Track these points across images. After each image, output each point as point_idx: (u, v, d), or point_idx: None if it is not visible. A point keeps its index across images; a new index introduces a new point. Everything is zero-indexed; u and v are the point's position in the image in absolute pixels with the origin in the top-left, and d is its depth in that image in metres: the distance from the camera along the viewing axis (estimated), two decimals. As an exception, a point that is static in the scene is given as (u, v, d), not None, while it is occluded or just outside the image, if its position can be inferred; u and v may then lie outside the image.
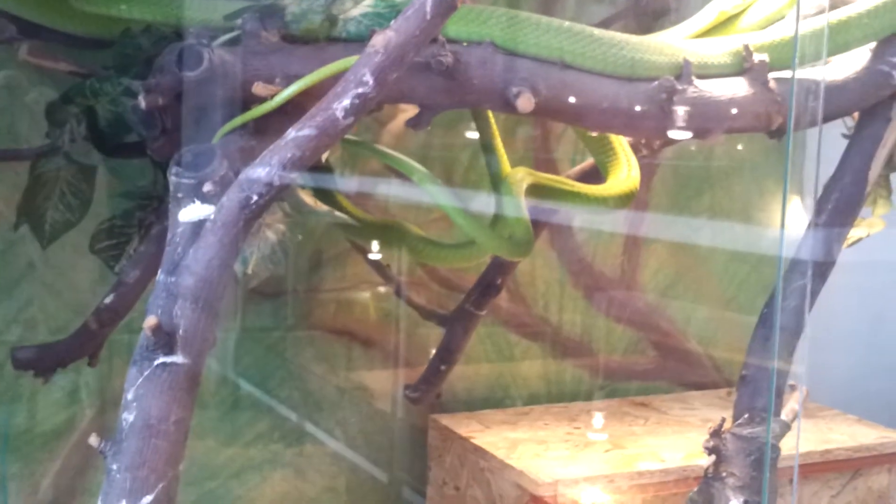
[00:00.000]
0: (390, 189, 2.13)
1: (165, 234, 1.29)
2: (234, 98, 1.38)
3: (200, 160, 1.31)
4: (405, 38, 1.20)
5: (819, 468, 2.16)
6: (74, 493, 2.02)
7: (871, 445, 2.23)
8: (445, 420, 2.24)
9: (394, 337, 2.29)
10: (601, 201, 1.77)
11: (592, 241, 2.48)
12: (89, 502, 2.03)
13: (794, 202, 1.64)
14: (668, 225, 2.62)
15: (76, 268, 1.93)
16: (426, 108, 1.50)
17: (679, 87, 1.53)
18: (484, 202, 1.82)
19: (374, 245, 2.11)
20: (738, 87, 1.59)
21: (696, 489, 1.51)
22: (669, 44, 1.59)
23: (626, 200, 1.77)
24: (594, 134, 1.82)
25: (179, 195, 1.29)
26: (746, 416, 1.52)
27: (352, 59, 1.26)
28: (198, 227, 1.26)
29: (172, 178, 1.30)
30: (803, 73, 1.56)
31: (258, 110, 1.37)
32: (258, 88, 1.36)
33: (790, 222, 1.79)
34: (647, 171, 2.31)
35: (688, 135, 1.58)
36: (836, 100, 1.61)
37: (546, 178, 1.78)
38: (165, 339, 1.18)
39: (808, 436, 2.22)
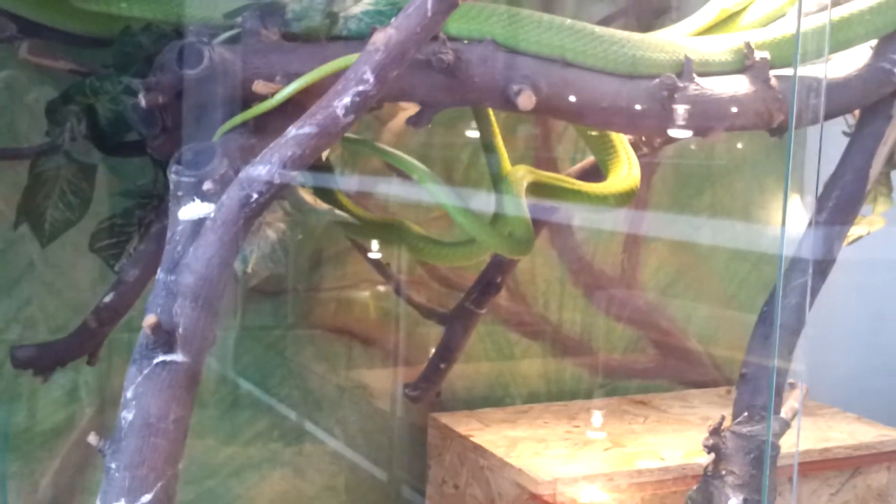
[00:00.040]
0: (390, 187, 2.13)
1: (165, 232, 1.29)
2: (234, 96, 1.38)
3: (200, 158, 1.31)
4: (406, 35, 1.19)
5: (818, 466, 2.16)
6: (74, 491, 2.02)
7: (870, 443, 2.23)
8: (445, 418, 2.24)
9: (394, 335, 2.28)
10: (602, 199, 1.77)
11: (593, 240, 2.48)
12: (89, 501, 2.02)
13: (794, 200, 1.64)
14: (668, 223, 2.62)
15: (76, 266, 1.93)
16: (427, 106, 1.50)
17: (680, 84, 1.53)
18: (484, 201, 1.82)
19: (374, 244, 2.10)
20: (739, 85, 1.59)
21: (695, 487, 1.51)
22: (671, 41, 1.59)
23: (626, 199, 1.77)
24: (594, 133, 1.82)
25: (179, 193, 1.29)
26: (746, 414, 1.52)
27: (352, 57, 1.25)
28: (198, 225, 1.25)
29: (172, 177, 1.30)
30: (805, 70, 1.56)
31: (258, 108, 1.37)
32: (258, 86, 1.36)
33: (790, 220, 1.78)
34: (648, 170, 2.31)
35: (689, 133, 1.58)
36: (838, 97, 1.61)
37: (547, 176, 1.78)
38: (165, 338, 1.18)
39: (807, 434, 2.22)
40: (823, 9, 1.60)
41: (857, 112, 1.70)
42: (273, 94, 1.36)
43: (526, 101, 1.45)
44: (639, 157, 1.82)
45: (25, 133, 1.84)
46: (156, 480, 1.14)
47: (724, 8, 1.73)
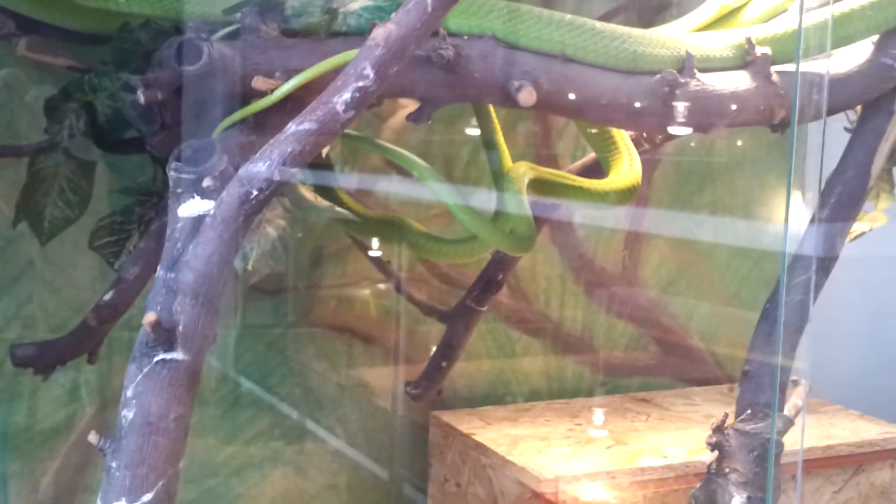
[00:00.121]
0: (391, 185, 2.13)
1: (165, 229, 1.29)
2: (233, 93, 1.37)
3: (200, 155, 1.30)
4: (406, 30, 1.19)
5: (821, 464, 2.16)
6: (75, 491, 2.01)
7: (873, 441, 2.22)
8: (446, 417, 2.24)
9: (394, 333, 2.28)
10: (603, 196, 1.76)
11: (594, 237, 2.48)
12: (89, 500, 2.02)
13: (795, 197, 1.63)
14: (669, 220, 2.62)
15: (75, 265, 1.93)
16: (427, 103, 1.49)
17: (681, 80, 1.52)
18: (485, 198, 1.82)
19: (375, 241, 2.10)
20: (740, 81, 1.58)
21: (698, 485, 1.51)
22: (672, 37, 1.58)
23: (627, 195, 1.76)
24: (594, 130, 1.82)
25: (179, 191, 1.28)
26: (749, 411, 1.51)
27: (352, 53, 1.25)
28: (197, 222, 1.25)
29: (172, 174, 1.29)
30: (806, 66, 1.56)
31: (258, 105, 1.37)
32: (258, 83, 1.35)
33: (791, 217, 1.78)
34: (649, 166, 2.30)
35: (690, 129, 1.57)
36: (839, 93, 1.60)
37: (548, 172, 1.78)
38: (165, 336, 1.18)
39: (810, 431, 2.21)
40: (825, 4, 1.60)
41: (858, 108, 1.69)
42: (272, 91, 1.35)
43: (527, 97, 1.45)
44: (640, 153, 1.81)
45: (24, 130, 1.84)
46: (156, 479, 1.14)
47: (725, 4, 1.72)
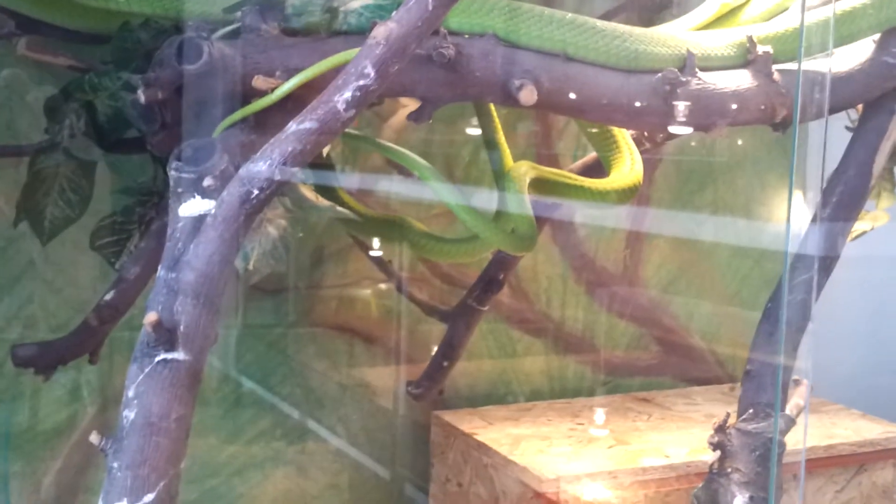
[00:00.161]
0: (392, 184, 2.12)
1: (166, 229, 1.28)
2: (234, 92, 1.37)
3: (201, 155, 1.30)
4: (407, 29, 1.18)
5: (823, 463, 2.16)
6: (76, 491, 2.01)
7: (875, 440, 2.22)
8: (448, 416, 2.23)
9: (395, 333, 2.28)
10: (604, 196, 1.76)
11: (595, 237, 2.48)
12: (91, 500, 2.02)
13: (796, 196, 1.63)
14: (670, 220, 2.62)
15: (76, 264, 1.93)
16: (428, 102, 1.49)
17: (683, 79, 1.52)
18: (486, 198, 1.82)
19: (376, 241, 2.10)
20: (741, 80, 1.58)
21: (700, 485, 1.50)
22: (673, 36, 1.58)
23: (629, 195, 1.76)
24: (595, 129, 1.81)
25: (180, 190, 1.28)
26: (751, 411, 1.51)
27: (353, 52, 1.25)
28: (198, 222, 1.25)
29: (172, 173, 1.29)
30: (808, 64, 1.55)
31: (258, 104, 1.36)
32: (258, 82, 1.35)
33: (792, 216, 1.78)
34: (650, 166, 2.30)
35: (691, 128, 1.57)
36: (841, 92, 1.60)
37: (549, 172, 1.77)
38: (166, 336, 1.18)
39: (812, 431, 2.21)
40: (827, 3, 1.60)
41: (859, 107, 1.69)
42: (273, 90, 1.35)
43: (528, 95, 1.45)
44: (641, 152, 1.81)
45: (25, 130, 1.84)
46: (158, 480, 1.14)
47: (726, 2, 1.72)
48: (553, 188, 1.77)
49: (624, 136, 1.80)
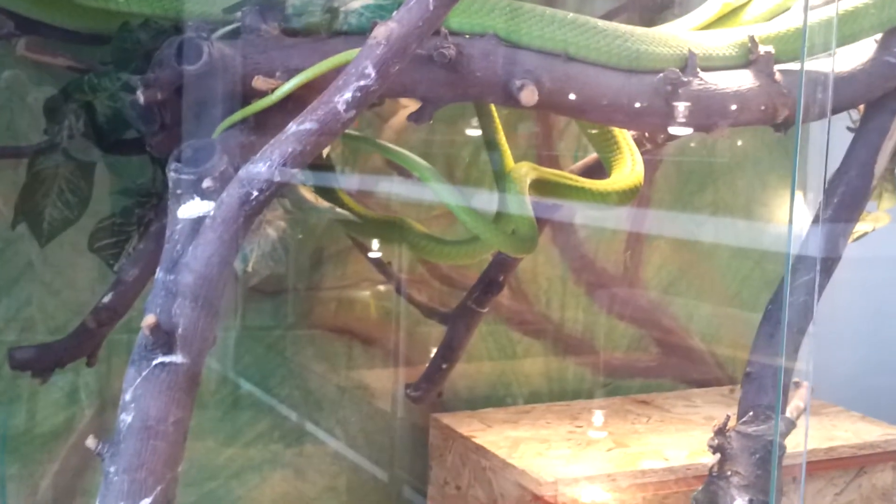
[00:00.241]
0: (392, 185, 2.12)
1: (165, 231, 1.28)
2: (234, 92, 1.36)
3: (200, 156, 1.29)
4: (407, 29, 1.18)
5: (823, 466, 2.15)
6: (74, 494, 2.01)
7: (875, 443, 2.22)
8: (447, 419, 2.23)
9: (394, 335, 2.27)
10: (604, 197, 1.76)
11: (595, 238, 2.47)
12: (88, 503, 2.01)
13: (797, 197, 1.62)
14: (670, 221, 2.61)
15: (75, 266, 1.92)
16: (428, 102, 1.48)
17: (684, 79, 1.51)
18: (486, 199, 1.81)
19: (375, 243, 2.09)
20: (743, 80, 1.57)
21: (700, 488, 1.50)
22: (674, 35, 1.58)
23: (629, 196, 1.75)
24: (595, 130, 1.81)
25: (179, 191, 1.27)
26: (751, 413, 1.50)
27: (353, 52, 1.24)
28: (197, 223, 1.24)
29: (172, 175, 1.28)
30: (810, 64, 1.55)
31: (258, 105, 1.36)
32: (258, 83, 1.34)
33: (794, 217, 1.77)
34: (651, 167, 2.29)
35: (692, 128, 1.56)
36: (843, 92, 1.60)
37: (549, 173, 1.77)
38: (164, 339, 1.17)
39: (812, 433, 2.21)
40: (829, 2, 1.59)
41: (861, 107, 1.68)
42: (273, 90, 1.35)
43: (529, 96, 1.44)
44: (642, 153, 1.81)
45: (24, 131, 1.83)
46: (155, 484, 1.13)
47: (727, 2, 1.72)
48: (554, 189, 1.76)
49: (625, 137, 1.80)
